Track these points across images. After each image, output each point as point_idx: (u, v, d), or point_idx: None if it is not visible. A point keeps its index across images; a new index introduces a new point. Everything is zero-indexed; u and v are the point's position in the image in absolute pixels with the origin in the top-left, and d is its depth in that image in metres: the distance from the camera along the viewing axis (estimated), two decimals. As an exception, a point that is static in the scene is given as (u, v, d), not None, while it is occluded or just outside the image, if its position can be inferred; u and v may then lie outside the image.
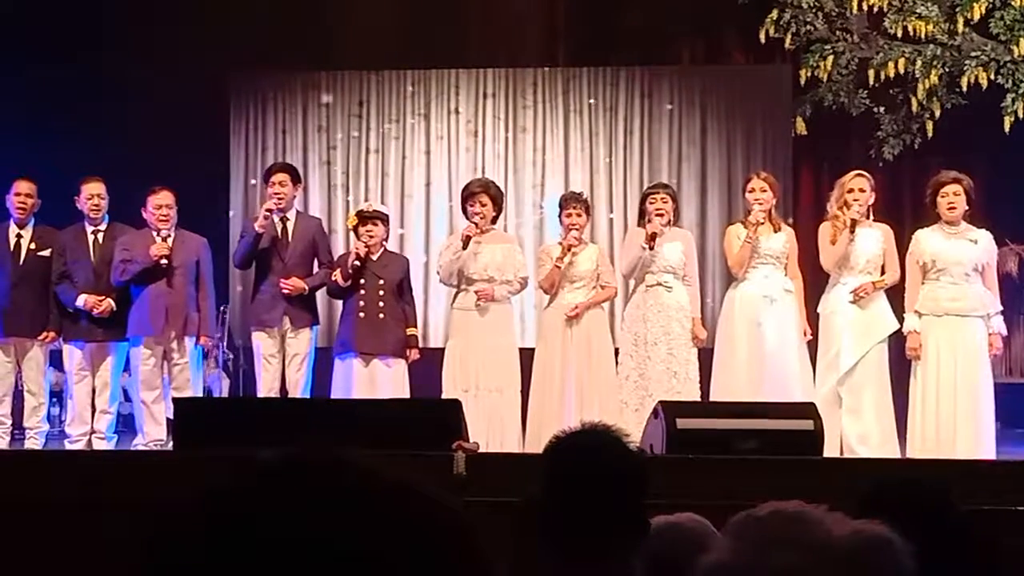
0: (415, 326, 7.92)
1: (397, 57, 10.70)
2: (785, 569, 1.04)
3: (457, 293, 7.84)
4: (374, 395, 7.44)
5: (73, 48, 10.01)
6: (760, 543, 1.07)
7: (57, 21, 10.06)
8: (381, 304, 7.69)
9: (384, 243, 7.89)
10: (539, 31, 10.80)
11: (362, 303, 7.69)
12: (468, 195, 7.81)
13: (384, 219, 7.91)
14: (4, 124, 9.93)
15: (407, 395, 7.66)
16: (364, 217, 7.79)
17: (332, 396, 7.69)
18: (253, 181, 10.68)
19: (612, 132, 10.73)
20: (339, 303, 8.16)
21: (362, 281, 7.69)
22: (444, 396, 7.43)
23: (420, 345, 8.02)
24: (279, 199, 7.89)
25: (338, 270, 7.75)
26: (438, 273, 7.99)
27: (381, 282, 7.72)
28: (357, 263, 7.65)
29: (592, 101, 10.76)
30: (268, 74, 10.94)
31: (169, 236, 7.82)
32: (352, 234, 8.16)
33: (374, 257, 7.74)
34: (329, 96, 10.94)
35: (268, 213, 7.82)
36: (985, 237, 7.35)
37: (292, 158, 10.38)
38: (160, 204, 7.80)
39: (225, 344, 9.83)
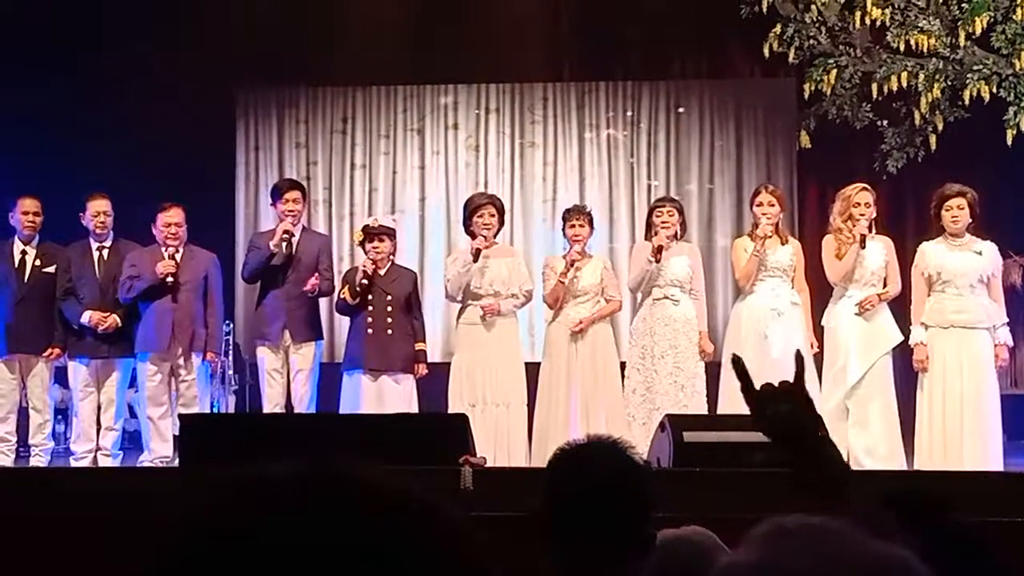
0: (423, 341, 7.85)
1: (408, 72, 10.71)
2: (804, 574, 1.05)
3: (463, 308, 7.82)
4: (382, 411, 7.39)
5: (76, 64, 10.02)
6: (783, 550, 1.08)
7: (60, 36, 10.07)
8: (389, 320, 7.65)
9: (391, 258, 7.86)
10: (543, 47, 10.80)
11: (370, 319, 7.65)
12: (475, 208, 7.79)
13: (391, 234, 7.84)
14: (7, 140, 9.93)
15: (415, 410, 7.63)
16: (370, 233, 7.76)
17: (340, 412, 7.66)
18: (260, 196, 10.67)
19: (635, 147, 10.72)
20: (341, 318, 8.13)
21: (370, 297, 7.66)
22: (451, 411, 7.42)
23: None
24: (294, 218, 7.89)
25: (346, 287, 7.72)
26: (446, 288, 7.96)
27: (389, 298, 7.68)
28: (364, 281, 7.62)
29: (589, 127, 10.74)
30: (274, 89, 10.95)
31: (177, 253, 7.82)
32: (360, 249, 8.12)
33: (381, 272, 7.70)
34: (342, 112, 10.93)
35: (286, 235, 7.80)
36: (990, 248, 7.34)
37: (299, 173, 10.38)
38: (169, 222, 7.80)
39: (231, 360, 9.81)
